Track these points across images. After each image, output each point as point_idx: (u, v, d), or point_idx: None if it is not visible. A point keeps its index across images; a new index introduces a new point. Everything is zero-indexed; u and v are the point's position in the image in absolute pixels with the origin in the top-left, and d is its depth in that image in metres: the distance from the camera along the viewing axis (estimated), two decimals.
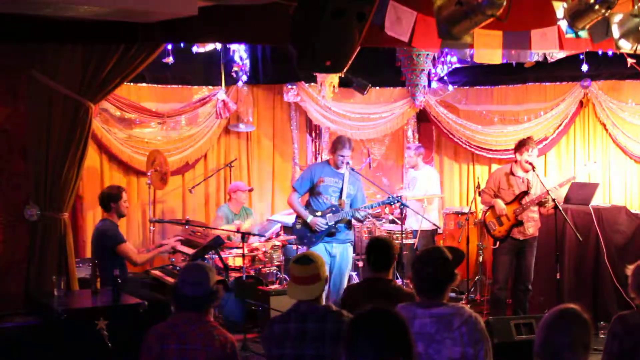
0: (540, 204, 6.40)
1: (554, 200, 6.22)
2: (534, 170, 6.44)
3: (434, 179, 7.94)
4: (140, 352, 3.27)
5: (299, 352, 3.24)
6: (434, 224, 7.64)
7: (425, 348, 2.97)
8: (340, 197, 6.16)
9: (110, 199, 5.78)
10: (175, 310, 3.32)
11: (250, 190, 7.68)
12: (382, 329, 2.25)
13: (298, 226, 6.27)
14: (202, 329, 3.22)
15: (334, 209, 6.12)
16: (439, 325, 3.00)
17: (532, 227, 6.44)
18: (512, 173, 6.51)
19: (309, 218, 6.09)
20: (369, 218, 7.01)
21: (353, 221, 6.46)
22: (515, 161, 6.50)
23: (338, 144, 6.19)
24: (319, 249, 6.04)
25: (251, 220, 7.53)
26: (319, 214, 6.14)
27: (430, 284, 3.10)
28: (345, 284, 6.42)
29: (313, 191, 6.21)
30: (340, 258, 6.17)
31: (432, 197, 7.84)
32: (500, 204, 6.42)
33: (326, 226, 6.07)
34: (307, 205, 6.28)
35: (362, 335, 2.25)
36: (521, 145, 6.45)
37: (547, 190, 6.27)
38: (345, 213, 6.13)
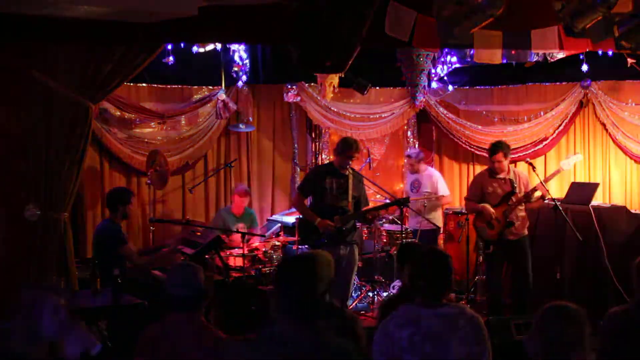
0: (527, 200, 6.42)
1: (543, 198, 6.24)
2: (534, 170, 6.46)
3: (439, 179, 7.94)
4: (134, 352, 3.28)
5: None
6: (434, 224, 7.64)
7: (432, 348, 2.97)
8: (347, 198, 6.14)
9: (119, 200, 5.77)
10: (167, 311, 3.32)
11: (240, 192, 7.45)
12: (305, 271, 2.68)
13: (304, 228, 6.23)
14: (193, 329, 3.22)
15: (340, 210, 6.10)
16: (445, 325, 3.00)
17: (521, 226, 6.45)
18: (492, 176, 6.52)
19: (317, 220, 6.06)
20: (375, 220, 6.97)
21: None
22: (491, 162, 6.52)
23: (346, 145, 6.12)
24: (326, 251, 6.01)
25: (247, 225, 7.46)
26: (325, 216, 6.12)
27: (439, 285, 3.10)
28: (351, 285, 6.42)
29: (318, 193, 6.18)
30: (346, 259, 6.15)
31: (440, 198, 7.84)
32: (489, 208, 6.42)
33: (334, 228, 6.05)
34: (312, 207, 6.25)
35: (290, 274, 2.70)
36: (490, 150, 6.52)
37: (536, 186, 6.30)
38: (352, 215, 6.11)
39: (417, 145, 8.86)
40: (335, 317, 3.35)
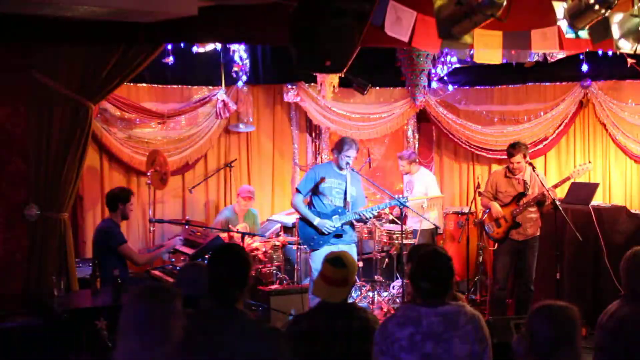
0: (539, 204, 6.41)
1: (553, 201, 6.23)
2: (534, 170, 6.44)
3: (431, 180, 7.93)
4: None
5: (329, 349, 3.27)
6: (433, 224, 7.64)
7: (434, 347, 2.97)
8: (345, 198, 6.14)
9: (119, 199, 5.78)
10: None
11: (245, 196, 7.51)
12: (225, 263, 3.03)
13: (303, 228, 6.23)
14: None
15: (339, 210, 6.10)
16: (446, 324, 3.00)
17: (530, 228, 6.44)
18: (507, 175, 6.52)
19: (316, 220, 6.05)
20: (370, 218, 6.98)
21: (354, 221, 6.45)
22: (510, 163, 6.51)
23: (345, 144, 6.11)
24: (325, 251, 5.99)
25: (249, 224, 7.47)
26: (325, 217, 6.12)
27: (441, 285, 3.09)
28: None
29: (316, 193, 6.17)
30: None
31: (434, 198, 7.83)
32: (496, 206, 6.43)
33: (333, 228, 6.05)
34: (311, 207, 6.25)
35: (215, 263, 3.08)
36: (507, 152, 6.49)
37: (544, 191, 6.28)
38: (351, 214, 6.11)
39: (417, 146, 8.86)
40: (357, 318, 3.38)
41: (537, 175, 6.42)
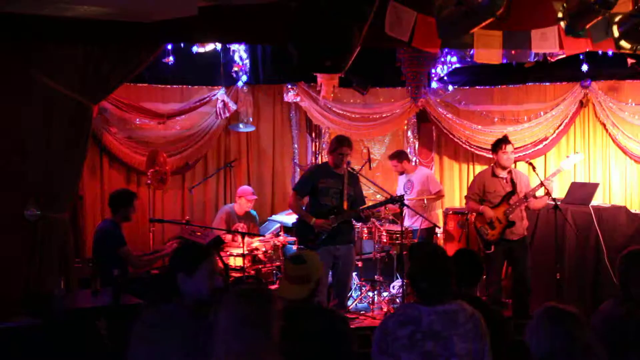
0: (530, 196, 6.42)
1: (549, 195, 6.23)
2: (534, 170, 6.46)
3: (431, 177, 7.90)
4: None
5: (293, 350, 3.25)
6: (433, 223, 7.63)
7: (434, 345, 2.97)
8: (342, 198, 6.14)
9: (121, 202, 5.77)
10: None
11: (249, 196, 7.53)
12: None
13: (301, 229, 6.23)
14: None
15: (336, 210, 6.10)
16: (446, 322, 3.00)
17: (522, 226, 6.45)
18: (494, 175, 6.51)
19: (312, 221, 6.05)
20: (370, 218, 6.98)
21: (353, 221, 6.45)
22: (495, 162, 6.51)
23: (336, 142, 6.15)
24: (323, 251, 5.99)
25: (248, 225, 7.47)
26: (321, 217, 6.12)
27: (440, 285, 3.09)
28: (350, 285, 6.41)
29: (314, 193, 6.18)
30: (344, 259, 6.15)
31: (438, 197, 7.81)
32: (488, 210, 6.41)
33: (330, 228, 6.04)
34: (308, 208, 6.25)
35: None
36: (496, 145, 6.49)
37: (540, 183, 6.30)
38: (348, 214, 6.10)
39: (417, 146, 8.86)
40: (322, 319, 3.34)
41: (538, 174, 6.44)
